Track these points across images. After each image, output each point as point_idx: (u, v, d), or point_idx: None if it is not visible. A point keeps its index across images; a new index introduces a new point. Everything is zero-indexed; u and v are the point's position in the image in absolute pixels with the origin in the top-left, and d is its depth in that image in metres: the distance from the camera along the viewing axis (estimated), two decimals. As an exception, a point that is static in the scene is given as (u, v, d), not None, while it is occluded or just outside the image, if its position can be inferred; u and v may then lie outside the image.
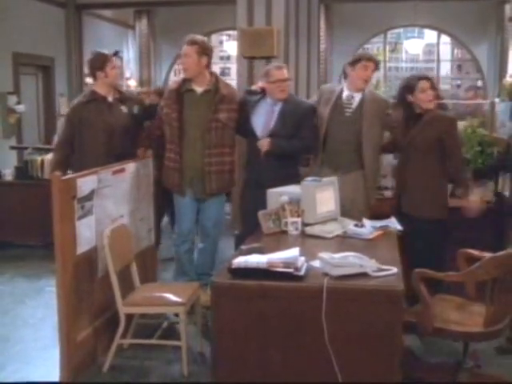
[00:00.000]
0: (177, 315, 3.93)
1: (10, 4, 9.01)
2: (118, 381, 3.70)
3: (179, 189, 4.69)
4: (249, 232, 3.98)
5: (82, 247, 3.78)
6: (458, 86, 18.54)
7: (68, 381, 3.61)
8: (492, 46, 14.74)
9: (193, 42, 4.55)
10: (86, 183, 3.79)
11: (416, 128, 4.17)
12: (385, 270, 3.03)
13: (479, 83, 15.91)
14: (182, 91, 4.62)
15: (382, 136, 4.58)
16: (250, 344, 2.97)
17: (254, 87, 4.99)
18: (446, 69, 17.04)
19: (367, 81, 4.52)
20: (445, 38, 16.00)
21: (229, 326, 2.97)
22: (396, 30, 16.52)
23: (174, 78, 12.72)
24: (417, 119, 4.20)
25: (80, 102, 4.82)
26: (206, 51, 4.58)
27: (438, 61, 16.61)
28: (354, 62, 4.49)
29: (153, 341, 4.06)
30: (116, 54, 5.00)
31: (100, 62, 4.74)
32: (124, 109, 4.79)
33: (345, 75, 4.64)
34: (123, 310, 3.81)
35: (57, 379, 3.66)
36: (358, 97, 4.50)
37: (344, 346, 2.87)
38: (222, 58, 20.06)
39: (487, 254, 3.29)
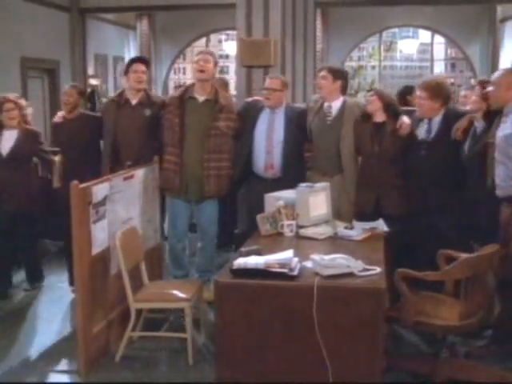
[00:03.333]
0: (182, 310, 4.17)
1: (17, 10, 9.30)
2: (130, 369, 3.99)
3: (179, 190, 4.95)
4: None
5: (97, 248, 4.09)
6: (452, 84, 18.77)
7: (85, 370, 3.93)
8: (484, 46, 15.00)
9: (211, 53, 5.07)
10: (100, 190, 4.11)
11: (384, 139, 4.54)
12: (369, 270, 3.34)
13: (472, 82, 16.18)
14: (185, 98, 4.93)
15: None
16: (249, 336, 3.29)
17: (250, 99, 5.36)
18: (440, 67, 17.24)
19: (320, 88, 4.84)
20: (439, 38, 16.23)
21: (231, 320, 3.29)
22: (391, 30, 16.73)
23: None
24: (376, 128, 4.58)
25: (109, 101, 5.25)
26: (217, 63, 5.08)
27: (432, 60, 16.88)
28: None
29: (160, 333, 4.35)
30: (137, 59, 5.26)
31: (125, 68, 5.15)
32: (147, 112, 5.03)
33: None
34: (134, 305, 4.10)
35: (74, 368, 4.00)
36: (336, 106, 4.81)
37: (332, 337, 3.19)
38: (220, 57, 20.26)
39: (464, 255, 3.62)
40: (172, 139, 4.90)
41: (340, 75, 4.85)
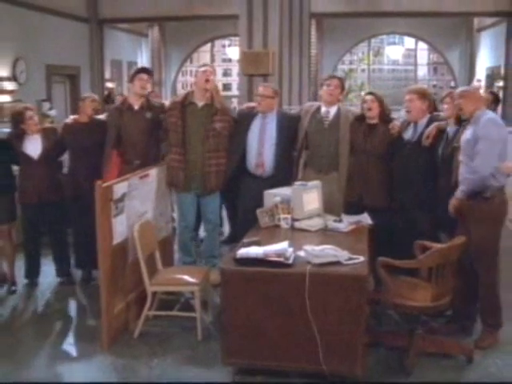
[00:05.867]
0: (192, 292, 4.36)
1: (42, 23, 9.46)
2: (146, 344, 4.17)
3: (184, 185, 5.11)
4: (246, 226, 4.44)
5: (117, 239, 4.26)
6: (434, 86, 18.94)
7: (107, 344, 4.11)
8: (462, 52, 15.17)
9: (213, 67, 5.26)
10: (119, 188, 4.28)
11: (372, 137, 4.69)
12: (354, 259, 3.53)
13: (452, 84, 16.35)
14: (186, 104, 5.09)
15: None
16: (250, 315, 3.48)
17: (244, 106, 5.51)
18: (423, 71, 17.39)
19: (331, 94, 4.94)
20: (422, 45, 16.35)
21: (234, 303, 3.48)
22: (379, 37, 16.87)
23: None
24: (369, 128, 4.72)
25: (113, 108, 5.35)
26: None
27: (416, 64, 17.02)
28: (321, 84, 5.09)
29: (173, 313, 4.49)
30: (142, 70, 5.41)
31: (131, 76, 5.33)
32: (148, 115, 5.18)
33: (320, 96, 5.15)
34: (150, 288, 4.28)
35: (97, 344, 4.17)
36: (332, 111, 4.96)
37: (322, 317, 3.39)
38: (224, 61, 20.45)
39: (436, 245, 3.80)
40: (176, 139, 5.07)
41: (344, 87, 5.12)
